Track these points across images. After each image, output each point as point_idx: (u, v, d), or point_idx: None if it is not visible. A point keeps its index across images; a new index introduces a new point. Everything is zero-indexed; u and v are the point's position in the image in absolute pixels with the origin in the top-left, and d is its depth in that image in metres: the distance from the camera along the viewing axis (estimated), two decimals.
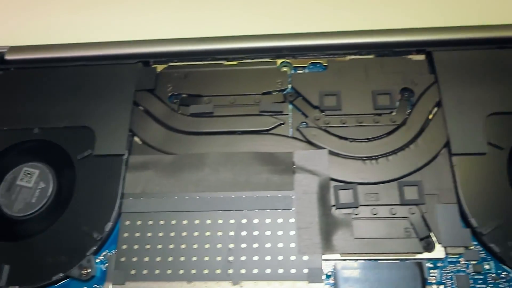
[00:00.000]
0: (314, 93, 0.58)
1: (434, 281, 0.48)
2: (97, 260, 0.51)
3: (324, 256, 0.49)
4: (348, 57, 0.60)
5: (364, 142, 0.55)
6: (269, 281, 0.48)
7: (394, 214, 0.51)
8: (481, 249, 0.49)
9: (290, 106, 0.58)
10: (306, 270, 0.48)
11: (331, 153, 0.54)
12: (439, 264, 0.49)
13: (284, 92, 0.59)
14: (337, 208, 0.51)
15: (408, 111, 0.56)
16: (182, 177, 0.54)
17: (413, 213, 0.51)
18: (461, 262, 0.49)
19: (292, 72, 0.60)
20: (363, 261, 0.49)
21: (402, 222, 0.50)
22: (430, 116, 0.55)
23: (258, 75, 0.60)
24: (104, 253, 0.52)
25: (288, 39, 0.60)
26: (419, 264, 0.48)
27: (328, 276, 0.49)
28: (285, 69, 0.61)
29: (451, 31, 0.59)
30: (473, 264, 0.48)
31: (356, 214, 0.51)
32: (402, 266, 0.48)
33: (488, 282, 0.48)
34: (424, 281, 0.47)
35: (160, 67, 0.61)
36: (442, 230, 0.49)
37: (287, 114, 0.57)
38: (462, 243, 0.49)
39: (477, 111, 0.54)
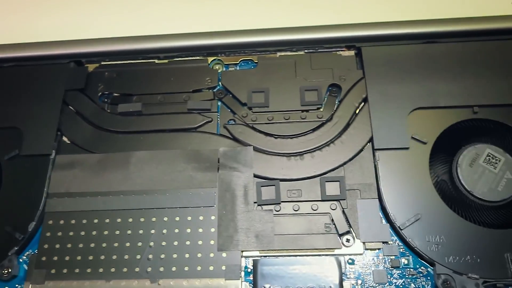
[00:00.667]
0: (243, 90, 0.58)
1: (352, 276, 0.48)
2: (21, 260, 0.52)
3: (244, 253, 0.50)
4: (279, 54, 0.60)
5: (290, 139, 0.55)
6: (187, 278, 0.48)
7: (315, 210, 0.51)
8: (400, 244, 0.50)
9: (219, 104, 0.59)
10: (224, 267, 0.48)
11: (256, 149, 0.54)
12: (358, 259, 0.49)
13: (214, 90, 0.59)
14: (258, 205, 0.52)
15: (335, 107, 0.57)
16: (107, 176, 0.54)
17: (334, 209, 0.51)
18: (380, 257, 0.49)
19: (224, 69, 0.61)
20: (282, 257, 0.49)
21: (323, 218, 0.50)
22: (357, 112, 0.55)
23: (188, 73, 0.60)
24: (27, 253, 0.52)
25: (219, 37, 0.60)
26: (337, 259, 0.48)
27: (247, 273, 0.49)
28: (216, 67, 0.61)
29: (380, 27, 0.59)
30: (392, 259, 0.49)
31: (278, 211, 0.51)
32: (319, 261, 0.49)
33: (406, 277, 0.48)
34: (342, 276, 0.47)
35: (92, 67, 0.61)
36: (362, 225, 0.49)
37: (216, 112, 0.57)
38: (380, 238, 0.49)
39: (402, 106, 0.54)
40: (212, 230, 0.50)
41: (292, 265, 0.49)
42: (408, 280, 0.48)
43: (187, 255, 0.49)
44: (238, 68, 0.60)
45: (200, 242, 0.50)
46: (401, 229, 0.49)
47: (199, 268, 0.48)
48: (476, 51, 0.57)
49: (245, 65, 0.61)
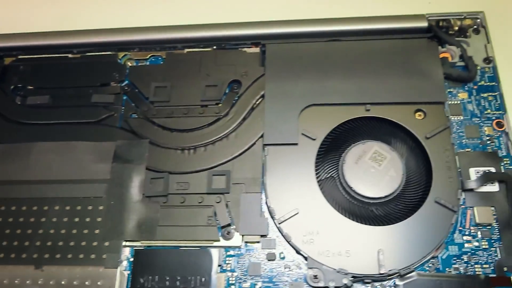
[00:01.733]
0: (148, 85, 0.59)
1: (228, 268, 0.49)
2: None
3: (126, 243, 0.51)
4: (186, 50, 0.61)
5: (186, 133, 0.56)
6: (70, 266, 0.50)
7: (201, 202, 0.52)
8: (278, 238, 0.50)
9: (125, 98, 0.60)
10: (104, 256, 0.50)
11: (152, 143, 0.56)
12: (236, 252, 0.50)
13: (122, 84, 0.61)
14: (146, 196, 0.53)
15: (233, 102, 0.57)
16: (7, 166, 0.56)
17: (218, 202, 0.52)
18: (257, 250, 0.50)
19: (134, 64, 0.63)
20: (163, 248, 0.50)
21: (207, 210, 0.51)
22: (254, 108, 0.56)
23: (98, 67, 0.61)
24: None
25: (129, 33, 0.61)
26: (213, 251, 0.48)
27: (130, 263, 0.51)
28: (128, 62, 0.63)
29: (285, 25, 0.59)
30: (269, 252, 0.50)
31: (165, 202, 0.52)
32: (197, 253, 0.49)
33: (281, 270, 0.48)
34: (217, 268, 0.48)
35: (8, 60, 0.63)
36: (242, 219, 0.50)
37: (120, 106, 0.59)
38: (259, 231, 0.50)
39: (296, 102, 0.54)
40: (99, 219, 0.52)
41: (171, 256, 0.50)
42: (282, 273, 0.49)
43: (72, 243, 0.51)
44: (148, 63, 0.62)
45: (85, 231, 0.51)
46: (279, 223, 0.50)
47: (81, 256, 0.50)
48: (375, 50, 0.57)
49: (155, 60, 0.62)
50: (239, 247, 0.50)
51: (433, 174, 0.50)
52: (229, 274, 0.49)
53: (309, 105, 0.54)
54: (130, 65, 0.61)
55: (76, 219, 0.51)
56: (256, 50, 0.60)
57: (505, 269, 0.47)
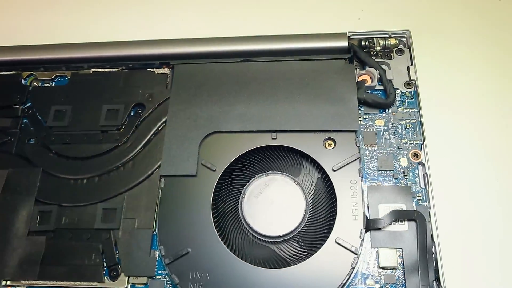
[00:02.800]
0: (49, 108, 0.56)
1: None
2: None
3: (7, 282, 0.47)
4: (92, 70, 0.58)
5: (81, 161, 0.52)
6: None
7: (89, 239, 0.48)
8: (168, 279, 0.46)
9: (25, 121, 0.56)
10: None
11: (45, 172, 0.52)
12: None
13: (24, 107, 0.57)
14: (31, 231, 0.49)
15: (133, 128, 0.53)
16: None
17: (107, 238, 0.48)
18: None
19: (39, 85, 0.59)
20: None
21: (94, 248, 0.48)
22: (155, 134, 0.52)
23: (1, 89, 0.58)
24: None
25: (34, 51, 0.57)
26: None
27: None
28: (33, 82, 0.58)
29: (196, 43, 0.55)
30: None
31: (51, 238, 0.48)
32: None
33: None
34: None
35: None
36: (130, 257, 0.46)
37: (17, 130, 0.55)
38: (145, 272, 0.46)
39: (198, 129, 0.50)
40: None
41: None
42: None
43: None
44: (53, 84, 0.59)
45: None
46: (166, 264, 0.46)
47: None
48: (289, 72, 0.53)
49: (61, 81, 0.58)
50: None
51: (337, 211, 0.47)
52: None
53: (212, 132, 0.50)
54: (35, 85, 0.59)
55: None
56: (165, 71, 0.56)
57: None
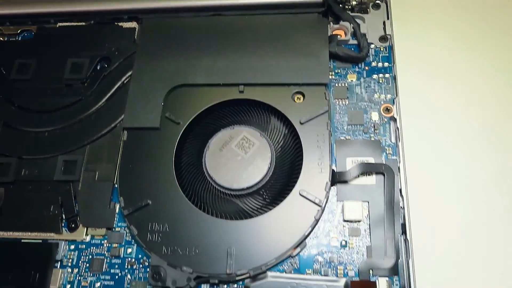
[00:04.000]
0: (12, 62, 0.53)
1: (69, 264, 0.44)
2: None
3: None
4: (59, 24, 0.56)
5: (44, 114, 0.51)
6: None
7: (48, 191, 0.47)
8: (127, 231, 0.45)
9: None
10: None
11: (7, 125, 0.50)
12: (80, 246, 0.45)
13: None
14: None
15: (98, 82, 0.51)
16: None
17: (67, 190, 0.46)
18: (103, 244, 0.45)
19: (5, 39, 0.57)
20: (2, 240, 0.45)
21: (54, 199, 0.46)
22: (119, 88, 0.50)
23: None
24: None
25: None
26: (52, 244, 0.43)
27: None
28: None
29: None
30: (114, 247, 0.45)
31: (11, 189, 0.46)
32: (34, 246, 0.45)
33: (125, 267, 0.43)
34: (54, 263, 0.43)
35: None
36: (89, 209, 0.45)
37: None
38: (104, 224, 0.45)
39: (163, 83, 0.49)
40: None
41: (9, 249, 0.45)
42: (126, 270, 0.44)
43: None
44: (19, 38, 0.57)
45: None
46: (125, 215, 0.45)
47: None
48: (259, 26, 0.51)
49: (27, 35, 0.57)
50: (82, 241, 0.45)
51: (303, 163, 0.45)
52: (69, 270, 0.44)
53: (178, 86, 0.49)
54: (0, 39, 0.57)
55: None
56: (133, 25, 0.54)
57: (370, 272, 0.42)
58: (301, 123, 0.46)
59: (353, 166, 0.44)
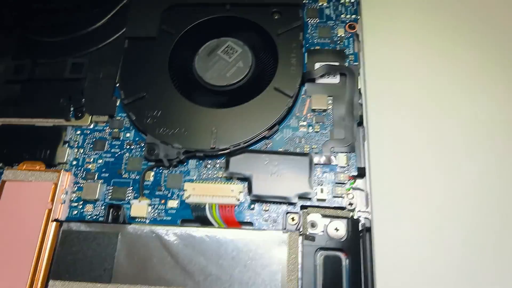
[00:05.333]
0: None
1: (76, 145, 0.51)
2: None
3: None
4: None
5: (58, 26, 0.59)
6: None
7: (58, 86, 0.54)
8: (126, 119, 0.52)
9: None
10: None
11: (23, 35, 0.59)
12: (85, 131, 0.52)
13: None
14: (8, 80, 0.55)
15: None
16: None
17: (74, 86, 0.53)
18: (106, 130, 0.52)
19: None
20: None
21: (63, 93, 0.53)
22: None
23: None
24: None
25: None
26: (60, 127, 0.51)
27: None
28: None
29: None
30: (115, 131, 0.52)
31: (25, 87, 0.54)
32: (45, 130, 0.52)
33: (124, 147, 0.51)
34: (64, 143, 0.50)
35: None
36: (94, 101, 0.53)
37: None
38: (107, 112, 0.52)
39: (160, 1, 0.57)
40: None
41: (24, 132, 0.52)
42: (125, 150, 0.51)
43: None
44: None
45: None
46: (125, 104, 0.52)
47: None
48: None
49: None
50: (87, 127, 0.52)
51: (278, 66, 0.53)
52: (75, 150, 0.51)
53: (174, 5, 0.57)
54: None
55: None
56: None
57: (331, 149, 0.50)
58: (278, 34, 0.54)
59: (320, 66, 0.52)
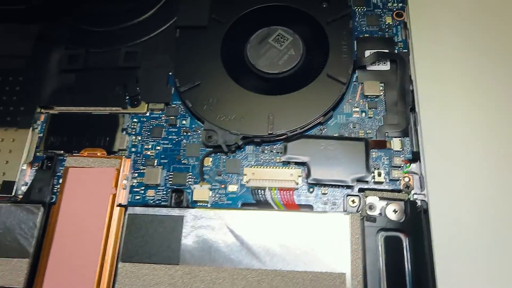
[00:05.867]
0: None
1: (133, 132, 0.52)
2: None
3: (42, 110, 0.54)
4: None
5: (111, 17, 0.59)
6: None
7: (113, 75, 0.54)
8: (181, 107, 0.54)
9: None
10: (19, 118, 0.54)
11: (76, 27, 0.59)
12: (142, 119, 0.53)
13: None
14: (62, 69, 0.56)
15: None
16: None
17: (129, 74, 0.54)
18: (162, 117, 0.53)
19: None
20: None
21: (119, 82, 0.54)
22: None
23: None
24: None
25: None
26: (119, 116, 0.52)
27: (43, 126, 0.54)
28: None
29: None
30: (171, 118, 0.53)
31: (80, 75, 0.55)
32: (103, 117, 0.53)
33: (181, 134, 0.52)
34: (122, 131, 0.51)
35: None
36: (149, 89, 0.54)
37: None
38: (163, 99, 0.53)
39: None
40: (17, 88, 0.56)
41: (81, 119, 0.53)
42: (182, 137, 0.52)
43: None
44: None
45: (4, 98, 0.55)
46: (181, 92, 0.53)
47: None
48: None
49: None
50: (143, 114, 0.53)
51: (329, 54, 0.54)
52: (134, 138, 0.52)
53: None
54: None
55: None
56: None
57: (386, 134, 0.51)
58: (328, 23, 0.55)
59: (371, 53, 0.53)
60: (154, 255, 0.46)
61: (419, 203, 0.47)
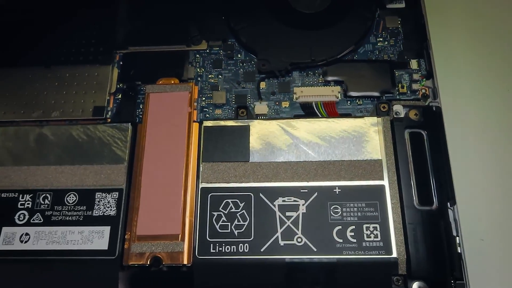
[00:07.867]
0: None
1: (198, 65, 0.63)
2: None
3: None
4: None
5: None
6: (72, 65, 0.64)
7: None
8: (236, 44, 0.65)
9: None
10: (100, 57, 0.64)
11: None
12: (203, 54, 0.64)
13: None
14: None
15: None
16: None
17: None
18: (220, 53, 0.64)
19: None
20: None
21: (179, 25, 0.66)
22: None
23: None
24: None
25: None
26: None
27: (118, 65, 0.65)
28: None
29: None
30: (228, 53, 0.64)
31: None
32: (171, 54, 0.63)
33: (238, 66, 0.63)
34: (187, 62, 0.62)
35: None
36: (207, 28, 0.65)
37: None
38: (220, 38, 0.64)
39: None
40: None
41: (151, 57, 0.63)
42: (239, 67, 0.63)
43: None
44: None
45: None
46: (236, 30, 0.64)
47: (81, 58, 0.64)
48: None
49: None
50: (204, 50, 0.64)
51: None
52: (199, 70, 0.63)
53: None
54: None
55: None
56: None
57: (405, 57, 0.62)
58: None
59: None
60: (227, 156, 0.57)
61: (434, 108, 0.59)
